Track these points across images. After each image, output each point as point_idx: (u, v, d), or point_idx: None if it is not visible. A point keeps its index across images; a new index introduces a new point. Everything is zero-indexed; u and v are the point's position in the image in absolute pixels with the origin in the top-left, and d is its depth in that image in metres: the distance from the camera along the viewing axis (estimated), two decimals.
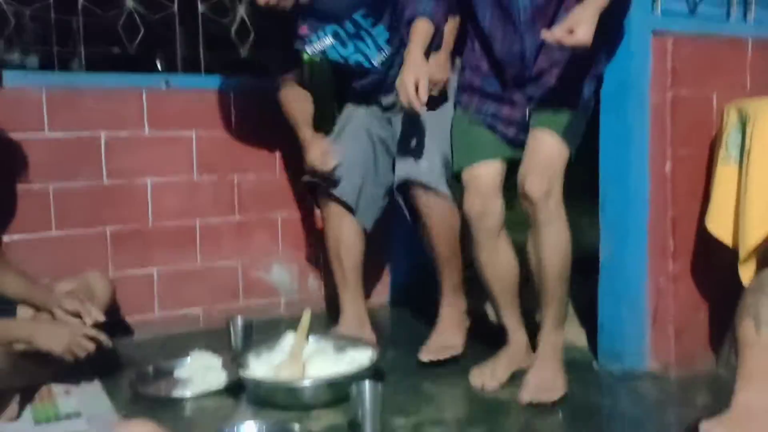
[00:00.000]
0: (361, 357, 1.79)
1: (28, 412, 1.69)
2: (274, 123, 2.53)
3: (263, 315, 2.53)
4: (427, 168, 1.88)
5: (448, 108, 1.93)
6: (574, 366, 1.99)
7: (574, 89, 1.72)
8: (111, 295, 2.07)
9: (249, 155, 2.51)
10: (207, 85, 2.45)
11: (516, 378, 1.85)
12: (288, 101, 2.15)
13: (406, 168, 1.92)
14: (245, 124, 2.51)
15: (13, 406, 1.63)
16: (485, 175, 1.77)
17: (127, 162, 2.32)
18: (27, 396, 1.75)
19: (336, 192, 2.07)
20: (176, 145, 2.40)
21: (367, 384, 1.49)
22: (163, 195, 2.39)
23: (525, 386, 1.70)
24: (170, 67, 2.69)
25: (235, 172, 2.50)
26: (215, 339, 2.27)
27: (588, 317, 2.32)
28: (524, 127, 1.76)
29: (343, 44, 2.01)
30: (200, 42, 2.51)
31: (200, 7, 2.50)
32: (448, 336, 1.95)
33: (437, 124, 1.90)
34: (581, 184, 1.86)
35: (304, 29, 2.00)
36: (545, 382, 1.71)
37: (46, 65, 2.92)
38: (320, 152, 2.06)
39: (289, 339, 1.90)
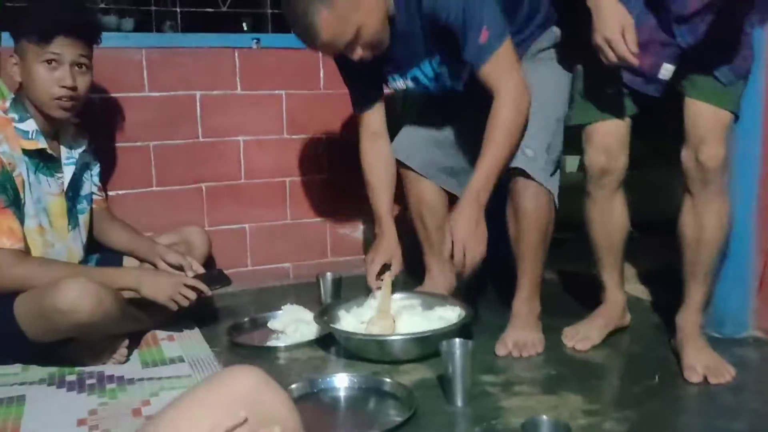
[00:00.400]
0: (449, 314, 1.79)
1: (135, 356, 1.81)
2: None
3: (351, 271, 2.58)
4: (532, 156, 1.69)
5: (556, 82, 1.78)
6: (672, 330, 1.93)
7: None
8: (208, 248, 2.17)
9: (338, 115, 2.53)
10: (296, 45, 2.45)
11: (612, 338, 1.82)
12: (368, 163, 1.98)
13: None
14: (334, 83, 2.51)
15: (123, 350, 1.74)
16: (614, 132, 1.66)
17: (220, 120, 2.39)
18: (134, 341, 1.86)
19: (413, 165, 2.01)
20: (267, 104, 2.45)
21: (457, 341, 1.50)
22: (255, 153, 2.45)
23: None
24: (260, 27, 2.72)
25: (324, 132, 2.53)
26: (305, 293, 2.35)
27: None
28: (658, 81, 1.58)
29: (424, 85, 1.88)
30: None
31: None
32: (526, 333, 1.79)
33: (542, 107, 1.72)
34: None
35: (387, 69, 1.88)
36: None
37: (140, 27, 3.01)
38: (376, 263, 1.90)
39: (377, 295, 1.92)
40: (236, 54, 2.39)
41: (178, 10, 2.43)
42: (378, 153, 1.98)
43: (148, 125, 2.29)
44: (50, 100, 1.73)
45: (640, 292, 2.31)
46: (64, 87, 1.72)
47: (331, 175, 2.56)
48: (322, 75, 2.50)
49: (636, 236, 3.31)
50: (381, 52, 1.71)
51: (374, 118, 1.98)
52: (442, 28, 1.67)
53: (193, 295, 1.80)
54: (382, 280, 1.89)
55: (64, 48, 1.72)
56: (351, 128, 2.53)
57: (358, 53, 1.66)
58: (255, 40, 2.42)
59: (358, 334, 1.73)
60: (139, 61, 2.27)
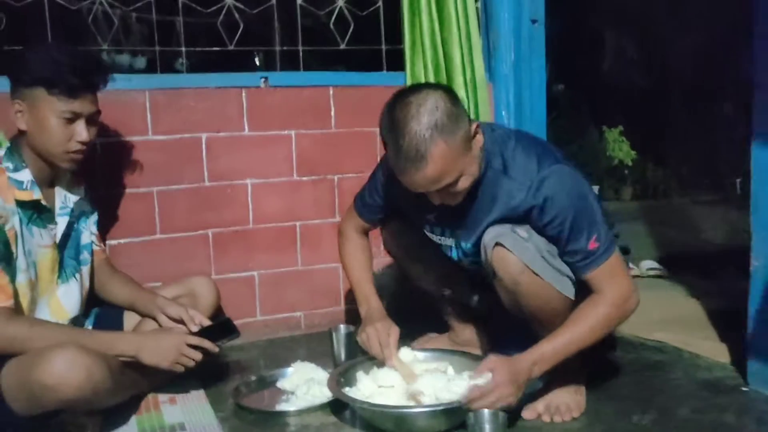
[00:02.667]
0: (479, 381, 1.63)
1: (133, 422, 1.67)
2: (374, 120, 2.42)
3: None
4: (525, 237, 1.59)
5: None
6: (720, 387, 1.77)
7: None
8: (216, 298, 2.03)
9: (349, 154, 2.42)
10: (305, 83, 2.37)
11: (658, 396, 1.66)
12: (348, 250, 1.94)
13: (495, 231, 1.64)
14: (345, 120, 2.41)
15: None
16: None
17: (227, 163, 2.28)
18: (133, 405, 1.73)
19: None
20: (276, 145, 2.34)
21: (486, 413, 1.35)
22: (264, 196, 2.34)
23: None
24: (269, 65, 2.63)
25: (336, 172, 2.41)
26: (317, 344, 2.22)
27: (728, 331, 2.09)
28: None
29: (452, 254, 1.82)
30: (299, 37, 2.42)
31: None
32: (562, 395, 1.65)
33: None
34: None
35: (429, 219, 1.80)
36: None
37: (152, 66, 2.94)
38: (382, 334, 1.75)
39: (402, 354, 1.77)
40: (243, 93, 2.29)
41: (183, 49, 2.34)
42: (360, 245, 1.95)
43: (151, 170, 2.19)
44: (63, 153, 1.65)
45: (678, 342, 2.14)
46: (79, 142, 1.65)
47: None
48: (333, 114, 2.39)
49: (665, 277, 3.19)
50: (453, 203, 1.60)
51: (365, 225, 1.95)
52: (519, 220, 1.59)
53: (198, 356, 1.67)
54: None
55: (84, 105, 1.65)
56: (363, 168, 2.43)
57: (441, 198, 1.56)
58: (263, 79, 2.32)
59: (375, 405, 1.57)
60: (143, 104, 2.17)
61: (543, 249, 1.57)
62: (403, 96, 1.50)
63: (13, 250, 1.59)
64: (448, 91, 1.53)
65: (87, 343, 1.53)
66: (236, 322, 1.94)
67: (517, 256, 1.54)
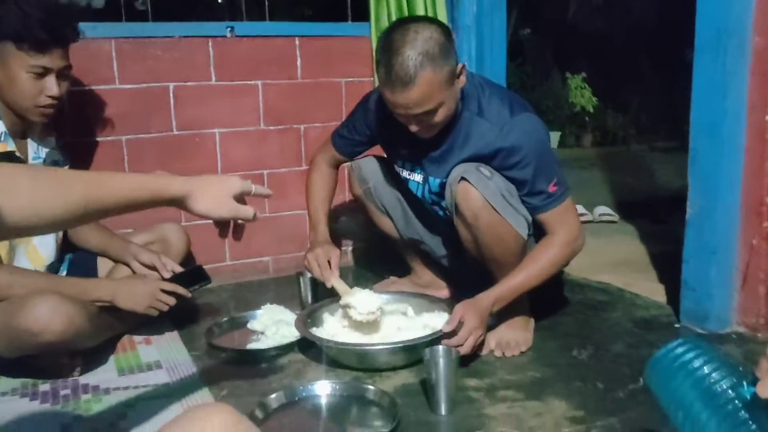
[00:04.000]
0: (436, 321, 1.76)
1: (111, 361, 1.76)
2: (340, 70, 2.48)
3: None
4: (487, 176, 1.70)
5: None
6: (653, 324, 1.94)
7: None
8: (186, 245, 2.11)
9: (315, 104, 2.47)
10: (272, 32, 2.39)
11: (596, 334, 1.82)
12: (316, 178, 2.05)
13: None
14: (311, 71, 2.45)
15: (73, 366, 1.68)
16: None
17: (195, 112, 2.32)
18: (110, 346, 1.82)
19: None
20: (243, 95, 2.38)
21: (440, 349, 1.48)
22: (231, 145, 2.39)
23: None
24: (234, 15, 2.63)
25: (302, 122, 2.47)
26: (285, 288, 2.32)
27: (667, 272, 2.25)
28: None
29: (420, 191, 1.93)
30: None
31: None
32: (511, 331, 1.79)
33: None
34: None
35: (401, 154, 1.92)
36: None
37: (113, 7, 2.89)
38: (321, 258, 1.86)
39: (362, 295, 1.89)
40: (210, 43, 2.30)
41: None
42: (327, 176, 2.06)
43: (120, 119, 2.22)
44: (34, 107, 1.68)
45: (621, 282, 2.31)
46: (49, 96, 1.67)
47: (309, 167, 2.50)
48: (299, 64, 2.43)
49: (617, 222, 3.35)
50: (427, 136, 1.72)
51: (339, 158, 2.06)
52: (487, 159, 1.70)
53: (172, 301, 1.76)
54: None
55: (54, 59, 1.66)
56: (328, 118, 2.49)
57: (417, 126, 1.66)
58: (229, 29, 2.34)
59: (340, 344, 1.70)
60: (109, 52, 2.18)
61: (503, 188, 1.69)
62: (403, 22, 1.64)
63: None
64: (445, 27, 1.65)
65: (65, 289, 1.60)
66: (206, 267, 2.03)
67: (480, 191, 1.66)
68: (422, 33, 1.57)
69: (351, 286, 1.84)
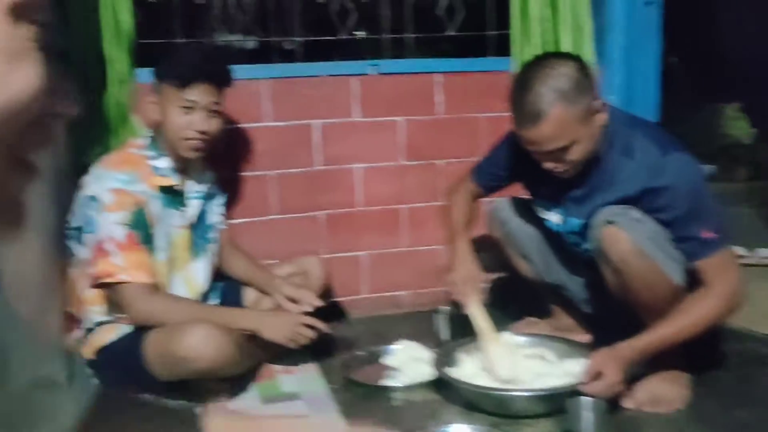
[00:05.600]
0: (578, 369, 1.66)
1: (254, 389, 1.83)
2: (480, 105, 2.46)
3: None
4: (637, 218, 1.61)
5: None
6: None
7: None
8: (325, 278, 2.15)
9: (455, 139, 2.46)
10: (415, 69, 2.43)
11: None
12: (457, 202, 1.99)
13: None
14: (451, 106, 2.46)
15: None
16: None
17: (338, 148, 2.39)
18: (252, 373, 1.89)
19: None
20: (384, 131, 2.42)
21: (586, 400, 1.39)
22: (372, 180, 2.43)
23: None
24: (378, 53, 2.70)
25: (441, 157, 2.47)
26: (420, 323, 2.30)
27: None
28: None
29: (560, 231, 1.87)
30: (408, 25, 2.48)
31: None
32: (664, 385, 1.65)
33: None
34: None
35: (542, 192, 1.87)
36: None
37: (263, 48, 3.08)
38: (467, 276, 1.83)
39: (504, 338, 1.84)
40: (354, 81, 2.38)
41: (296, 39, 2.45)
42: (465, 200, 2.01)
43: (268, 155, 2.33)
44: (182, 141, 1.80)
45: None
46: (196, 131, 1.79)
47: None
48: (440, 99, 2.44)
49: None
50: (565, 176, 1.67)
51: (477, 192, 2.02)
52: (634, 201, 1.61)
53: (312, 335, 1.80)
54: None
55: (200, 95, 1.78)
56: (468, 153, 2.47)
57: (552, 164, 1.63)
58: (373, 67, 2.40)
59: (477, 387, 1.64)
60: (261, 92, 2.31)
61: (655, 232, 1.58)
62: (539, 58, 1.64)
63: (153, 231, 1.77)
64: (582, 63, 1.62)
65: (215, 318, 1.70)
66: (343, 299, 2.07)
67: (629, 235, 1.56)
68: (556, 69, 1.54)
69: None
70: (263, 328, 1.76)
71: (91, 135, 2.06)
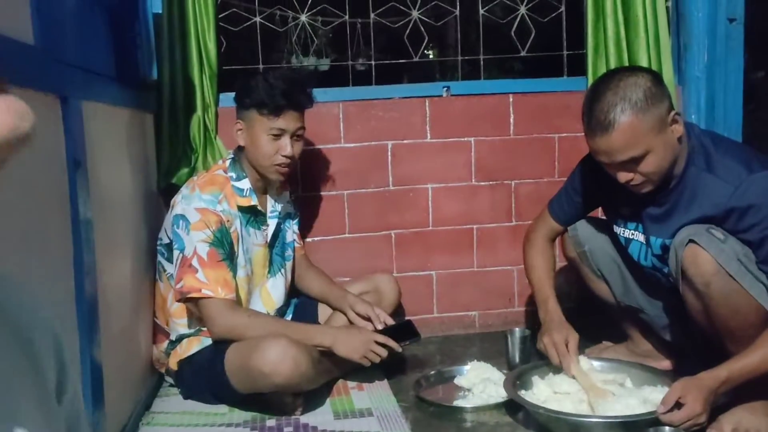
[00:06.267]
0: (657, 397, 1.61)
1: (327, 404, 1.87)
2: (553, 125, 2.45)
3: (537, 322, 2.48)
4: (721, 238, 1.55)
5: None
6: None
7: None
8: (397, 295, 2.19)
9: (527, 160, 2.45)
10: (486, 91, 2.44)
11: None
12: (532, 255, 1.94)
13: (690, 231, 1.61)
14: (523, 127, 2.45)
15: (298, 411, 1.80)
16: None
17: (410, 168, 2.43)
18: (326, 388, 1.93)
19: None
20: (456, 152, 2.44)
21: (663, 429, 1.35)
22: (443, 200, 2.45)
23: None
24: (451, 74, 2.74)
25: (513, 178, 2.46)
26: (490, 343, 2.30)
27: None
28: None
29: (638, 253, 1.83)
30: (480, 46, 2.50)
31: (481, 9, 2.50)
32: (751, 416, 1.56)
33: None
34: None
35: (622, 212, 1.83)
36: None
37: (336, 69, 3.16)
38: (559, 343, 1.75)
39: (579, 362, 1.81)
40: (426, 103, 2.41)
41: (373, 63, 2.52)
42: (545, 249, 1.96)
43: (342, 175, 2.39)
44: (271, 165, 1.89)
45: None
46: (284, 156, 1.87)
47: (519, 222, 2.47)
48: (512, 120, 2.44)
49: None
50: (642, 190, 1.63)
51: (556, 227, 1.97)
52: (718, 220, 1.57)
53: (384, 353, 1.83)
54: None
55: (289, 122, 1.87)
56: (540, 174, 2.46)
57: (628, 175, 1.59)
58: (445, 88, 2.43)
59: (551, 411, 1.62)
60: (337, 114, 2.38)
61: (740, 252, 1.52)
62: (612, 72, 1.63)
63: (236, 249, 1.86)
64: (654, 74, 1.60)
65: (291, 333, 1.75)
66: (414, 318, 2.08)
67: (712, 255, 1.51)
68: (627, 80, 1.53)
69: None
70: (337, 345, 1.80)
71: (179, 157, 2.18)
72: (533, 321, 2.45)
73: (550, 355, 1.75)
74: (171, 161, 2.17)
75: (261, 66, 2.38)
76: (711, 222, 1.57)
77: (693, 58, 2.33)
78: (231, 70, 2.37)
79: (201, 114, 2.19)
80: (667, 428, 1.36)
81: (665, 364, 1.96)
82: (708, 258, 1.51)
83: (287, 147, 1.87)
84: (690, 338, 1.83)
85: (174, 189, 2.03)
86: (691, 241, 1.54)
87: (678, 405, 1.44)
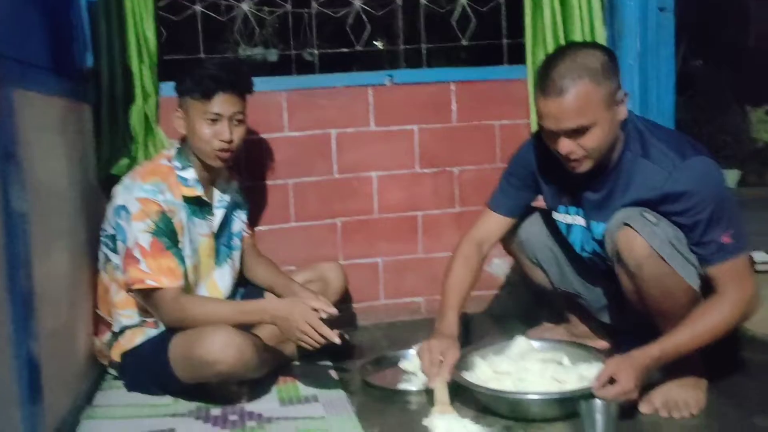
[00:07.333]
0: (593, 373, 1.67)
1: (274, 392, 1.88)
2: (495, 113, 2.50)
3: (482, 307, 2.54)
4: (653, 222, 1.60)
5: None
6: None
7: None
8: (344, 284, 2.20)
9: (469, 147, 2.50)
10: (428, 79, 2.48)
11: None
12: (455, 266, 1.87)
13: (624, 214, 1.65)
14: (465, 114, 2.50)
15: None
16: None
17: (354, 157, 2.45)
18: (273, 376, 1.94)
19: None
20: (399, 140, 2.47)
21: (598, 403, 1.41)
22: (387, 188, 2.48)
23: None
24: (393, 63, 2.76)
25: (456, 165, 2.51)
26: None
27: None
28: None
29: (578, 240, 1.87)
30: (422, 35, 2.53)
31: None
32: (680, 390, 1.65)
33: None
34: None
35: (563, 198, 1.85)
36: None
37: (283, 61, 3.15)
38: (435, 352, 1.70)
39: (518, 343, 1.87)
40: (370, 91, 2.43)
41: (316, 52, 2.52)
42: (470, 260, 1.89)
43: (286, 164, 2.40)
44: (211, 151, 1.87)
45: None
46: (222, 141, 1.85)
47: (463, 209, 2.52)
48: (454, 108, 2.48)
49: None
50: (579, 168, 1.64)
51: (495, 226, 1.93)
52: (652, 204, 1.61)
53: (321, 339, 1.75)
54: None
55: (223, 106, 1.85)
56: (482, 161, 2.51)
57: (570, 147, 1.59)
58: (388, 77, 2.45)
59: (491, 390, 1.67)
60: (280, 103, 2.38)
61: (671, 235, 1.58)
62: (571, 44, 1.68)
63: (180, 239, 1.84)
64: (611, 53, 1.64)
65: (239, 315, 1.76)
66: (361, 305, 2.10)
67: (645, 238, 1.56)
68: (586, 51, 1.58)
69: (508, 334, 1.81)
70: (278, 322, 1.75)
71: (118, 147, 2.15)
72: (478, 305, 2.52)
73: (423, 361, 1.71)
74: (110, 152, 2.14)
75: (203, 56, 2.36)
76: (646, 205, 1.61)
77: (626, 46, 2.40)
78: (174, 60, 2.34)
79: (141, 104, 2.16)
80: (594, 401, 1.41)
81: (602, 343, 2.03)
82: (641, 241, 1.56)
83: (225, 132, 1.85)
84: (626, 321, 1.91)
85: (115, 180, 2.00)
86: (625, 224, 1.59)
87: (612, 381, 1.50)
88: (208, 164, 1.91)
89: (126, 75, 2.14)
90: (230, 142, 1.87)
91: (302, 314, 1.73)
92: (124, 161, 2.14)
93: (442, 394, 1.65)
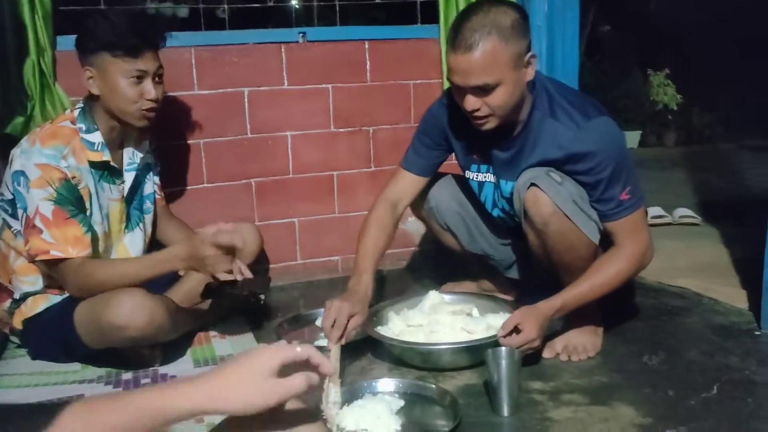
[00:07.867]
0: (500, 323, 1.75)
1: (188, 354, 1.86)
2: (409, 72, 2.51)
3: (397, 264, 2.59)
4: (558, 181, 1.66)
5: None
6: (732, 331, 1.86)
7: None
8: (260, 244, 2.16)
9: (384, 106, 2.51)
10: (342, 37, 2.45)
11: (670, 341, 1.76)
12: (369, 226, 1.84)
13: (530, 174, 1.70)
14: (380, 73, 2.49)
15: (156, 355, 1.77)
16: None
17: (268, 116, 2.40)
18: (188, 339, 1.91)
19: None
20: (314, 99, 2.44)
21: (503, 350, 1.48)
22: (302, 147, 2.46)
23: None
24: (307, 21, 2.71)
25: (371, 124, 2.51)
26: None
27: (751, 278, 2.15)
28: None
29: (489, 197, 1.91)
30: None
31: None
32: (578, 335, 1.77)
33: None
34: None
35: (475, 156, 1.88)
36: None
37: (194, 16, 3.02)
38: (342, 314, 1.63)
39: (430, 297, 1.91)
40: (282, 49, 2.38)
41: (226, 7, 2.44)
42: (385, 219, 1.87)
43: (197, 123, 2.33)
44: (137, 111, 1.76)
45: (700, 288, 2.22)
46: (149, 100, 1.75)
47: (378, 168, 2.54)
48: (368, 67, 2.48)
49: (699, 224, 3.21)
50: (485, 126, 1.66)
51: (409, 185, 1.93)
52: (558, 163, 1.66)
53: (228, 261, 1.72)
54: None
55: (148, 62, 1.74)
56: (397, 120, 2.53)
57: (476, 103, 1.60)
58: (301, 34, 2.41)
59: (404, 342, 1.72)
60: (189, 60, 2.29)
61: (575, 193, 1.65)
62: (486, 0, 1.62)
63: (88, 206, 1.75)
64: (524, 13, 1.64)
65: (148, 271, 1.69)
66: (278, 265, 2.09)
67: (550, 197, 1.63)
68: (499, 8, 1.58)
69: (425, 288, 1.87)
70: (191, 263, 1.70)
71: (12, 104, 2.01)
72: (393, 262, 2.57)
73: (325, 320, 1.64)
74: (3, 109, 2.00)
75: (103, 7, 2.23)
76: (552, 165, 1.68)
77: (535, 8, 2.45)
78: (72, 11, 2.19)
79: (35, 58, 2.03)
80: (498, 349, 1.48)
81: (510, 296, 2.12)
82: (546, 200, 1.63)
83: (151, 90, 1.75)
84: (532, 274, 1.99)
85: (11, 140, 1.88)
86: (532, 184, 1.66)
87: (517, 330, 1.58)
88: (128, 125, 1.80)
89: (17, 26, 1.99)
90: (156, 100, 1.77)
91: (201, 242, 1.67)
92: (19, 119, 2.01)
93: (336, 362, 1.58)
